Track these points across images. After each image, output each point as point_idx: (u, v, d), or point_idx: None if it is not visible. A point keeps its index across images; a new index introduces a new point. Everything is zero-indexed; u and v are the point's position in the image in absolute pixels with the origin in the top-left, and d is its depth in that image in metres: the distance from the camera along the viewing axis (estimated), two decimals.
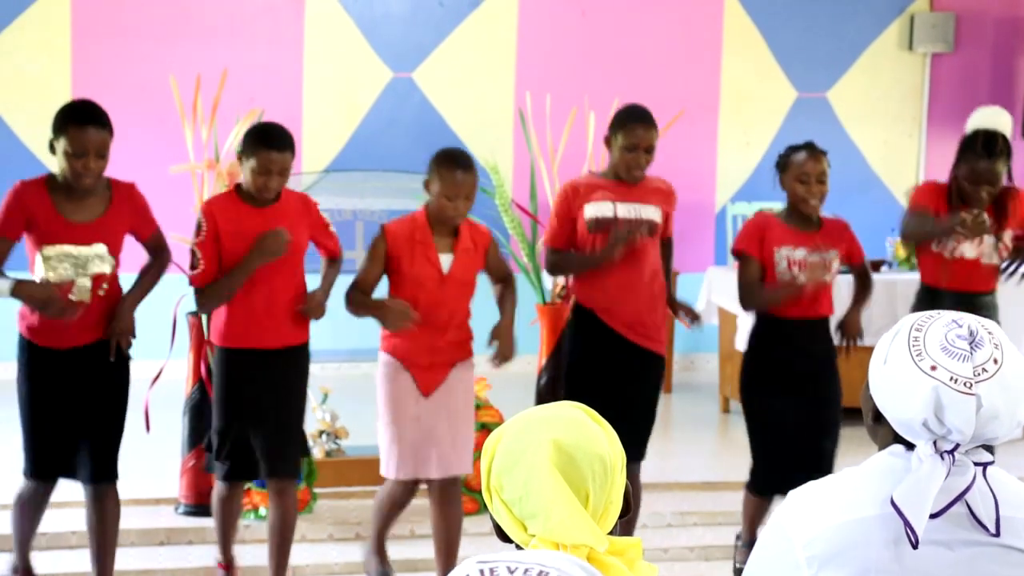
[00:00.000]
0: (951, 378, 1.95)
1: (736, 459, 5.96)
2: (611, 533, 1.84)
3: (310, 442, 5.99)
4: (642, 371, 5.15)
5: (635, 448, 5.05)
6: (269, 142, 4.67)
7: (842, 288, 5.63)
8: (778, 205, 5.33)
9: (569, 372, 5.24)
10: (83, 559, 4.98)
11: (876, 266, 7.84)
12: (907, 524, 1.92)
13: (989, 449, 2.14)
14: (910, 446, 2.01)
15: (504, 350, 5.04)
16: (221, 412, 4.86)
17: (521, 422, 1.89)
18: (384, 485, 5.06)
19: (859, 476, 2.04)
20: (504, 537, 1.87)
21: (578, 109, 7.43)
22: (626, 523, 5.06)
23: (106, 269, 4.59)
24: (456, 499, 5.01)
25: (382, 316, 4.89)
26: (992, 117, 5.45)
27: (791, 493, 2.08)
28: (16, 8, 8.29)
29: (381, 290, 5.02)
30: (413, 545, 5.54)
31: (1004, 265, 5.56)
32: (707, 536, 5.89)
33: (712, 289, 7.91)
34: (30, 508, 4.80)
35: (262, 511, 5.67)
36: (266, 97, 7.84)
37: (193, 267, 4.77)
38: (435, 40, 8.87)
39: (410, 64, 8.84)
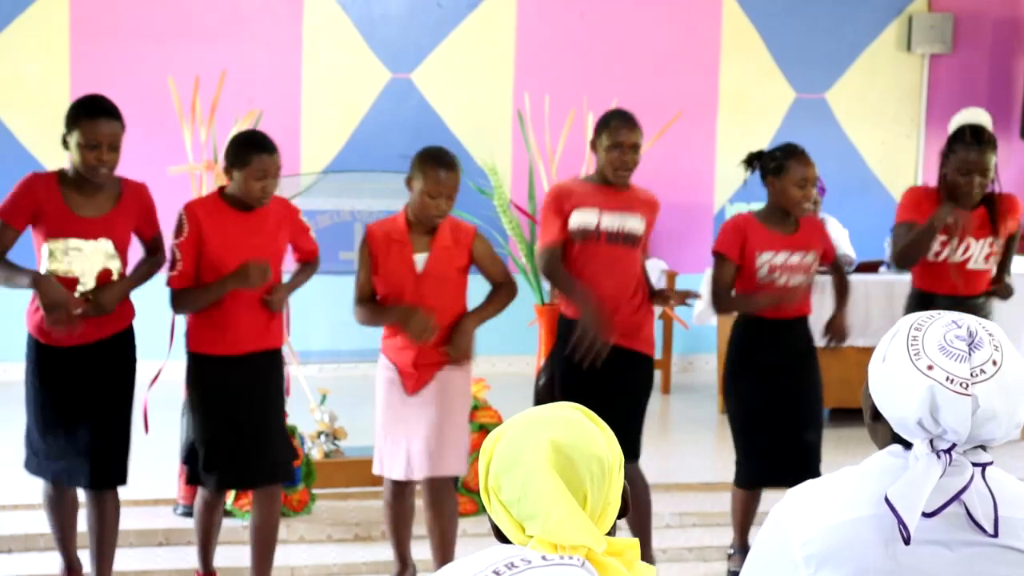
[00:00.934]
0: (947, 378, 1.95)
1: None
2: (610, 533, 1.85)
3: (309, 443, 6.00)
4: (628, 371, 5.14)
5: (627, 447, 5.02)
6: (262, 147, 4.67)
7: (824, 287, 5.72)
8: None
9: (560, 382, 5.23)
10: (82, 559, 4.99)
11: (875, 267, 7.84)
12: (900, 521, 1.92)
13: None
14: (909, 446, 2.02)
15: (455, 347, 4.86)
16: (203, 422, 4.80)
17: (519, 423, 1.89)
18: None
19: (857, 475, 2.04)
20: (503, 538, 1.87)
21: (577, 110, 7.43)
22: (640, 518, 5.06)
23: (112, 266, 4.61)
24: (446, 499, 4.96)
25: (403, 327, 4.83)
26: (974, 115, 5.50)
27: (789, 492, 2.08)
28: (15, 9, 8.30)
29: None
30: (413, 545, 5.53)
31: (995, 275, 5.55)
32: (705, 537, 5.89)
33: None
34: (50, 507, 4.84)
35: None
36: (265, 98, 7.85)
37: (172, 267, 4.75)
38: (434, 41, 8.87)
39: (409, 65, 8.85)
